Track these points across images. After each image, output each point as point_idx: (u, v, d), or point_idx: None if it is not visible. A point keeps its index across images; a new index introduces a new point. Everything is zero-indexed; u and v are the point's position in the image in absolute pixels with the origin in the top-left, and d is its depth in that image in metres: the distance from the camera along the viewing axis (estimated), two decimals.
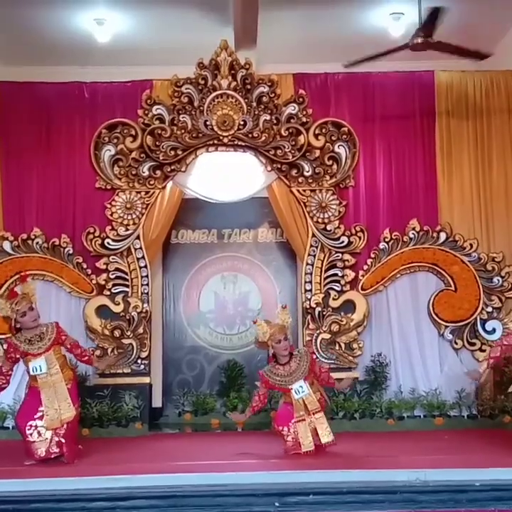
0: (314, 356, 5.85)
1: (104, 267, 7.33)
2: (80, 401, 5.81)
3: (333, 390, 7.00)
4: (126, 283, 7.33)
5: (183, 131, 7.36)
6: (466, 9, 7.02)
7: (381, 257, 7.45)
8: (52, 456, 5.41)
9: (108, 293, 7.30)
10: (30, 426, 5.44)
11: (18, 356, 5.58)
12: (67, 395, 5.49)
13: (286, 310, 5.85)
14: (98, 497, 4.01)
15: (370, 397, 7.09)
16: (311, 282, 7.38)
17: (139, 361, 7.25)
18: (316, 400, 5.57)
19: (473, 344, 7.33)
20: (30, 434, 5.44)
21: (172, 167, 7.40)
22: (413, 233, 7.48)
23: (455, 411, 7.07)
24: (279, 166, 7.43)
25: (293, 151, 7.40)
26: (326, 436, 5.50)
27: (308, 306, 7.34)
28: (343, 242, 7.42)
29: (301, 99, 7.45)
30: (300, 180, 7.45)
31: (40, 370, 5.50)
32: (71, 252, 7.34)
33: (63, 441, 5.42)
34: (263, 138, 7.37)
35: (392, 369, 7.34)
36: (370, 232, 7.48)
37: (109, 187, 7.43)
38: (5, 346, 5.81)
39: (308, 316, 7.34)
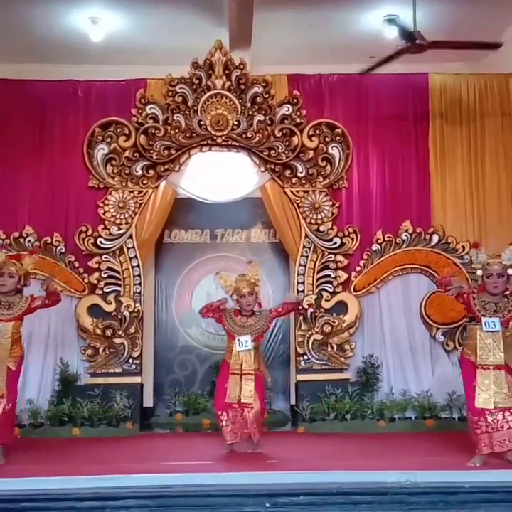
0: (273, 314, 5.81)
1: (96, 265, 7.31)
2: (17, 386, 5.61)
3: (324, 390, 7.04)
4: (119, 282, 7.32)
5: (176, 130, 7.35)
6: (461, 13, 7.05)
7: (374, 258, 7.46)
8: None
9: (100, 292, 7.29)
10: None
11: None
12: (4, 376, 5.33)
13: (255, 265, 5.84)
14: (88, 497, 3.98)
15: (362, 399, 7.09)
16: (303, 283, 7.38)
17: (131, 361, 7.24)
18: (253, 363, 5.57)
19: None
20: None
21: (165, 166, 7.39)
22: (406, 235, 7.50)
23: (446, 413, 7.08)
24: (272, 166, 7.43)
25: (286, 152, 7.40)
26: (246, 398, 5.51)
27: (300, 307, 7.34)
28: (335, 243, 7.43)
29: (295, 100, 7.45)
30: (293, 181, 7.46)
31: None
32: (63, 250, 7.32)
33: None
34: (257, 138, 7.37)
35: (384, 370, 7.35)
36: (362, 233, 7.49)
37: (102, 186, 7.42)
38: None
39: (301, 317, 7.34)
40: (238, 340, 5.60)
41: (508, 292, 5.16)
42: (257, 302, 5.77)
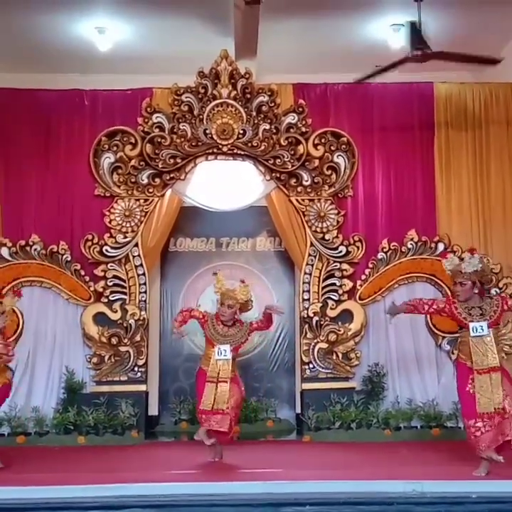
0: (252, 326, 5.83)
1: (102, 274, 7.33)
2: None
3: (330, 399, 7.03)
4: (124, 290, 7.33)
5: (182, 139, 7.38)
6: (467, 21, 7.05)
7: (379, 267, 7.46)
8: None
9: (106, 300, 7.30)
10: None
11: None
12: None
13: (246, 287, 5.86)
14: (92, 506, 3.98)
15: (367, 408, 7.08)
16: (309, 291, 7.38)
17: (136, 369, 7.24)
18: (230, 372, 5.59)
19: None
20: None
21: (171, 175, 7.41)
22: (411, 244, 7.49)
23: (452, 422, 7.05)
24: (278, 175, 7.45)
25: (292, 161, 7.42)
26: (221, 404, 5.51)
27: (305, 316, 7.34)
28: (341, 251, 7.43)
29: (300, 109, 7.48)
30: (299, 189, 7.47)
31: None
32: (69, 259, 7.34)
33: None
34: (262, 147, 7.39)
35: (389, 379, 7.33)
36: (368, 242, 7.50)
37: (108, 194, 7.45)
38: None
39: (306, 325, 7.33)
40: (218, 348, 5.63)
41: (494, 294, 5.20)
42: (235, 319, 5.76)
